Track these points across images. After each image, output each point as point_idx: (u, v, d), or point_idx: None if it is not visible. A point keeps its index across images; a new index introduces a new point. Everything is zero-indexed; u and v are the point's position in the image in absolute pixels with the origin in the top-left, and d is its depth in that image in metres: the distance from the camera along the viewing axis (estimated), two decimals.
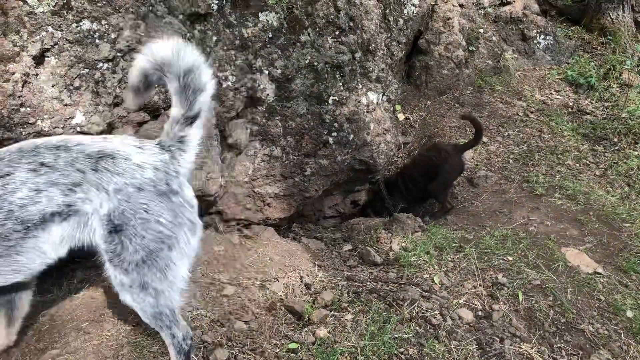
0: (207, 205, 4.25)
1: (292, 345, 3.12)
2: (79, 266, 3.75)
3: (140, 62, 2.27)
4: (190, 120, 2.36)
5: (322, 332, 3.30)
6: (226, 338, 3.12)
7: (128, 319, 3.23)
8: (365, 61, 4.71)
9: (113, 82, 3.47)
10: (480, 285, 3.84)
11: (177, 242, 2.32)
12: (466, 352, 3.17)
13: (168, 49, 2.20)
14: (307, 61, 4.36)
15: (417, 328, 3.31)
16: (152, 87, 2.54)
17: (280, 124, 4.34)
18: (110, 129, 3.57)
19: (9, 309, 2.76)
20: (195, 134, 2.41)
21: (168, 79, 2.27)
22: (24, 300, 2.76)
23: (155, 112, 3.73)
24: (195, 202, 2.44)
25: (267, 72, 4.27)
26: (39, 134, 3.28)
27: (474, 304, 3.65)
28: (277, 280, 3.80)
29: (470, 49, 7.39)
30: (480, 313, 3.57)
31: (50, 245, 2.27)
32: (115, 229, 2.22)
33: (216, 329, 3.20)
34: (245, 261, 3.99)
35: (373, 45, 4.79)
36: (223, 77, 4.05)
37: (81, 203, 2.22)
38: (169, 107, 3.67)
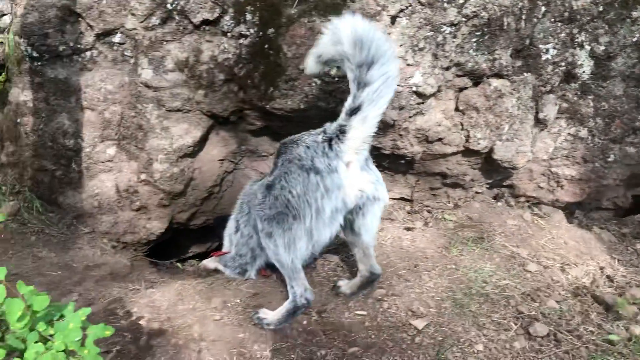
0: (503, 177, 4.25)
1: (613, 337, 3.00)
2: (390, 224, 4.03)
3: (326, 43, 2.48)
4: (352, 111, 2.43)
5: (637, 330, 3.12)
6: (540, 313, 3.11)
7: (445, 274, 3.39)
8: None
9: (451, 47, 3.55)
10: None
11: (302, 216, 2.56)
12: None
13: (351, 39, 2.27)
14: (634, 39, 4.01)
15: None
16: (332, 65, 2.75)
17: (592, 104, 4.11)
18: (438, 91, 3.68)
19: None
20: (355, 125, 2.46)
21: (346, 67, 2.40)
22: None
23: (478, 79, 3.74)
24: (335, 190, 2.53)
25: (588, 47, 4.03)
26: None
27: None
28: (576, 265, 3.67)
29: None
30: None
31: None
32: (267, 186, 2.73)
33: (529, 303, 3.20)
34: (540, 240, 3.92)
35: None
36: (544, 50, 3.92)
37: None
38: (493, 75, 3.69)
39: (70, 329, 1.99)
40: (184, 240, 4.92)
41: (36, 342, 1.98)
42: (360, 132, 2.49)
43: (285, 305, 2.91)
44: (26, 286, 1.99)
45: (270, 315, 2.93)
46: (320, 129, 2.68)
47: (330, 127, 2.60)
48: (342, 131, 2.51)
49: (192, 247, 5.12)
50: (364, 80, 2.33)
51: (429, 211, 4.26)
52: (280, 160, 2.73)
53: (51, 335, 2.03)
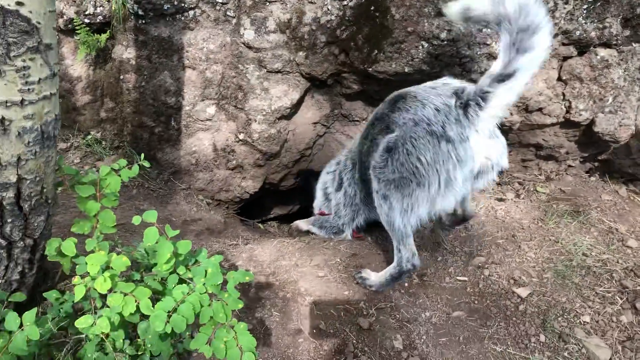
0: (599, 151, 4.12)
1: None
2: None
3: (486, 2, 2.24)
4: (502, 77, 2.27)
5: None
6: None
7: (544, 246, 3.35)
8: None
9: (562, 13, 3.46)
10: None
11: (428, 184, 2.50)
12: None
13: (516, 2, 2.13)
14: None
15: None
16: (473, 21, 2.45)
17: None
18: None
19: None
20: (501, 93, 2.30)
21: (502, 30, 2.22)
22: None
23: (584, 48, 3.61)
24: (467, 160, 2.46)
25: None
26: (490, 55, 3.44)
27: None
28: None
29: None
30: None
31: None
32: (387, 148, 2.61)
33: (633, 278, 3.13)
34: (638, 217, 3.80)
35: None
36: None
37: (393, 124, 2.67)
38: (601, 44, 3.55)
39: (210, 273, 2.08)
40: (268, 201, 5.01)
41: (176, 284, 2.08)
42: (504, 100, 2.35)
43: (390, 269, 2.93)
44: (172, 230, 2.08)
45: (374, 277, 2.97)
46: (446, 88, 2.56)
47: (467, 91, 2.44)
48: (483, 98, 2.36)
49: (275, 209, 5.22)
50: (525, 46, 2.18)
51: (520, 183, 4.20)
52: (402, 119, 2.60)
53: (190, 279, 2.13)
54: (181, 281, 2.13)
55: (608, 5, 3.46)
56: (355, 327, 2.68)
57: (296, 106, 3.91)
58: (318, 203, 3.70)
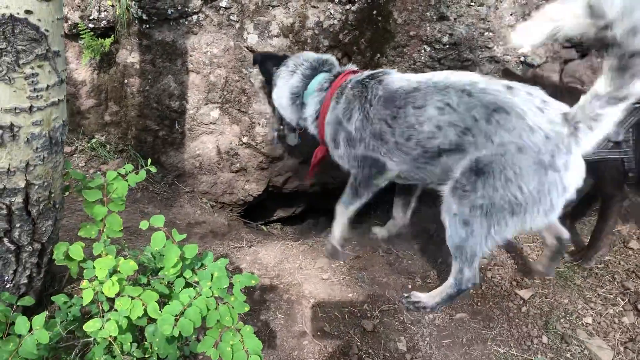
0: None
1: None
2: None
3: (573, 15, 1.91)
4: (614, 101, 2.04)
5: None
6: None
7: None
8: None
9: None
10: None
11: (524, 213, 2.29)
12: None
13: (622, 22, 1.79)
14: None
15: None
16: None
17: None
18: (544, 62, 3.60)
19: (405, 202, 3.37)
20: (613, 114, 2.09)
21: (608, 53, 1.93)
22: (413, 199, 3.38)
23: (586, 51, 3.63)
24: (570, 187, 2.27)
25: None
26: (492, 59, 3.46)
27: None
28: None
29: None
30: None
31: (438, 170, 2.60)
32: (477, 170, 2.33)
33: (635, 279, 3.16)
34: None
35: None
36: None
37: (467, 145, 2.38)
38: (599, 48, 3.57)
39: (216, 277, 2.10)
40: (271, 203, 5.04)
41: (183, 287, 2.10)
42: (613, 121, 2.11)
43: (446, 289, 2.73)
44: (179, 234, 2.11)
45: (425, 298, 2.86)
46: (551, 111, 2.25)
47: (574, 114, 2.18)
48: (595, 120, 2.12)
49: (278, 211, 5.25)
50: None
51: None
52: (499, 137, 2.27)
53: (196, 282, 2.16)
54: (188, 285, 2.15)
55: None
56: (360, 329, 2.70)
57: None
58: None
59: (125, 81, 4.00)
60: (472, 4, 3.25)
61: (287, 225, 5.42)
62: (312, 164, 3.28)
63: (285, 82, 3.17)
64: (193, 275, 2.17)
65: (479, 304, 2.93)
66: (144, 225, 2.05)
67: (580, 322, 2.81)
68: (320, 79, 3.05)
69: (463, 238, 2.46)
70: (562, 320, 2.83)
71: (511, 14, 3.36)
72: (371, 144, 2.76)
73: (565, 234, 2.81)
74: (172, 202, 4.02)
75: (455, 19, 3.26)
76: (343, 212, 3.10)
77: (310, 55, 3.17)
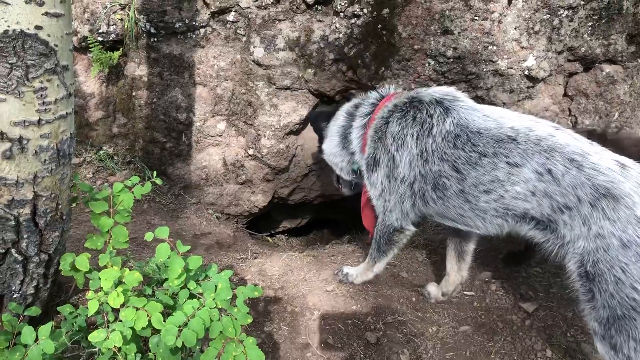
0: None
1: None
2: None
3: None
4: None
5: None
6: None
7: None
8: None
9: (567, 30, 3.48)
10: None
11: None
12: None
13: None
14: None
15: None
16: None
17: None
18: (549, 76, 3.62)
19: (460, 252, 2.97)
20: None
21: None
22: (470, 250, 2.98)
23: (590, 64, 3.65)
24: None
25: None
26: (495, 72, 3.48)
27: None
28: None
29: None
30: None
31: (509, 229, 2.34)
32: (587, 275, 2.01)
33: None
34: None
35: None
36: None
37: (562, 225, 2.10)
38: (606, 60, 3.59)
39: (220, 288, 2.12)
40: (277, 215, 5.07)
41: (187, 299, 2.12)
42: None
43: None
44: (184, 246, 2.14)
45: None
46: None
47: None
48: None
49: (284, 222, 5.27)
50: None
51: None
52: (597, 227, 1.98)
53: (200, 294, 2.18)
54: (192, 296, 2.17)
55: (613, 22, 3.50)
56: (363, 342, 2.71)
57: (305, 122, 3.98)
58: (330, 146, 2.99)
59: (134, 93, 4.05)
60: (476, 18, 3.27)
61: (293, 237, 5.44)
62: (363, 204, 2.96)
63: (332, 128, 2.95)
64: (197, 287, 2.18)
65: (482, 317, 2.93)
66: (149, 236, 2.07)
67: (584, 336, 2.80)
68: (362, 106, 2.78)
69: None
70: (566, 333, 2.82)
71: (515, 28, 3.38)
72: (418, 184, 2.47)
73: None
74: (179, 213, 4.05)
75: (459, 33, 3.28)
76: (369, 269, 3.00)
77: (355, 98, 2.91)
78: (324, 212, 5.00)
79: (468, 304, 3.03)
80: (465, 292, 3.09)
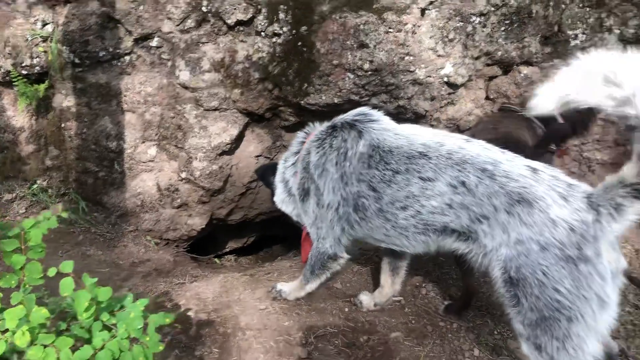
0: None
1: None
2: None
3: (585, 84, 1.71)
4: (638, 192, 1.83)
5: None
6: None
7: None
8: None
9: (481, 36, 3.60)
10: None
11: (581, 315, 1.94)
12: None
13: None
14: None
15: None
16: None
17: None
18: (469, 81, 3.73)
19: (394, 267, 3.05)
20: (637, 209, 1.86)
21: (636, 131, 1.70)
22: (403, 265, 3.06)
23: (508, 67, 3.78)
24: (608, 274, 1.92)
25: (617, 31, 4.03)
26: (415, 81, 3.57)
27: None
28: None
29: None
30: None
31: (435, 245, 2.40)
32: (511, 281, 2.04)
33: None
34: None
35: None
36: (573, 35, 3.93)
37: (483, 235, 2.14)
38: (523, 62, 3.72)
39: (132, 317, 2.12)
40: (222, 236, 5.06)
41: (100, 330, 2.11)
42: (637, 217, 1.88)
43: None
44: (90, 278, 2.13)
45: None
46: (575, 194, 1.99)
47: (601, 196, 1.93)
48: (617, 210, 1.89)
49: (230, 243, 5.26)
50: None
51: None
52: (516, 233, 2.02)
53: (114, 325, 2.16)
54: (106, 327, 2.15)
55: (525, 25, 3.64)
56: (295, 357, 2.72)
57: (237, 141, 3.99)
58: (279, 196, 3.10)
59: (63, 125, 4.02)
60: (390, 30, 3.36)
61: (243, 256, 5.42)
62: (303, 238, 3.09)
63: (277, 178, 3.06)
64: (111, 318, 2.17)
65: (413, 322, 2.98)
66: (52, 272, 2.05)
67: (510, 333, 2.87)
68: (291, 147, 2.94)
69: None
70: (494, 332, 2.88)
71: (430, 37, 3.47)
72: (342, 208, 2.56)
73: (614, 348, 2.48)
74: (116, 242, 4.01)
75: (374, 46, 3.36)
76: (301, 288, 3.08)
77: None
78: (269, 229, 5.01)
79: (399, 309, 3.08)
80: (394, 298, 3.14)
